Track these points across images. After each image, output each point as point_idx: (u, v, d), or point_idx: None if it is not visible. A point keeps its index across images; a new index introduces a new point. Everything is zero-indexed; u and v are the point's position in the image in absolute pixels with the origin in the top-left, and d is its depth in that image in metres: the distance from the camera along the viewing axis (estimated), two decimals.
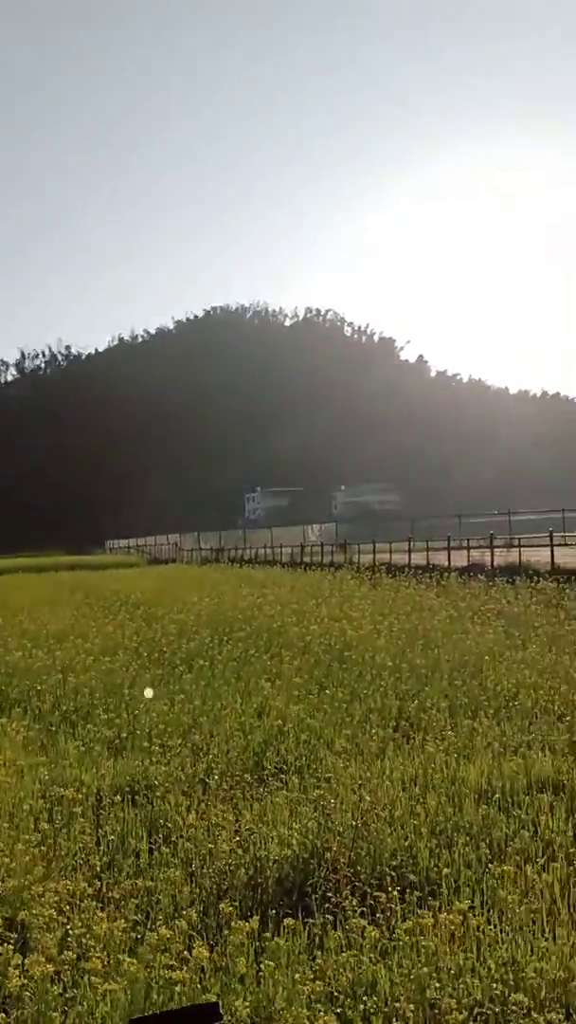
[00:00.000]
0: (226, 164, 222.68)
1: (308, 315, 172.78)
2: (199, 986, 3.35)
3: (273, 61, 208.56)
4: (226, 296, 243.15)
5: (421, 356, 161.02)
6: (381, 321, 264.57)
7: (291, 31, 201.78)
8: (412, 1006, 3.17)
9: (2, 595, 22.86)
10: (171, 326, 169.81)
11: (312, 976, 3.40)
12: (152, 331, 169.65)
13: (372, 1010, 3.25)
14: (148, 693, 8.58)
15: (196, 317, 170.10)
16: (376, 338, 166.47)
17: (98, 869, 4.64)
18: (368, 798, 5.22)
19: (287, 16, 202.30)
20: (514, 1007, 3.13)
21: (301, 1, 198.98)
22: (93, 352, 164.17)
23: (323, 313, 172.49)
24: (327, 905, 4.09)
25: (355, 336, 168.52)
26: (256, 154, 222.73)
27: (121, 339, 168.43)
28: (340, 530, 40.96)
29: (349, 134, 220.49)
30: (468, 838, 4.81)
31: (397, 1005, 3.20)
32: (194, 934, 3.76)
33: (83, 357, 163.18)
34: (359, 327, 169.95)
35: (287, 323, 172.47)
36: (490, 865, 4.38)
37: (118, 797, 5.67)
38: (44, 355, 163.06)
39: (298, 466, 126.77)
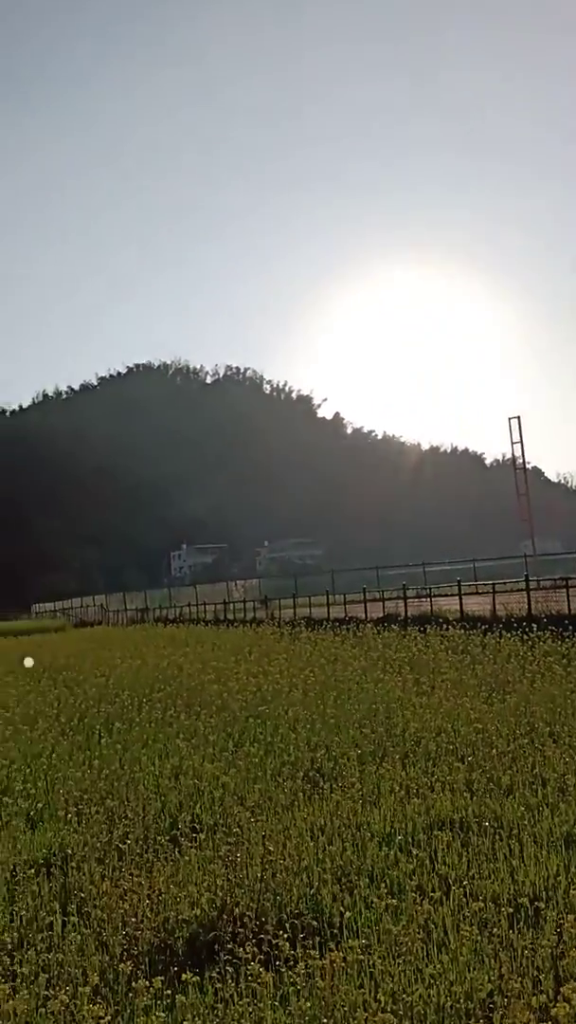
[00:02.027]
0: (154, 223, 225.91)
1: (228, 373, 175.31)
2: None
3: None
4: (148, 353, 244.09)
5: (338, 413, 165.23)
6: (299, 379, 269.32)
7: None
8: None
9: None
10: (94, 382, 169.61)
11: None
12: (76, 387, 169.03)
13: None
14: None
15: (119, 374, 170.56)
16: (295, 395, 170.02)
17: (10, 947, 4.69)
18: (275, 849, 5.43)
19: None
20: None
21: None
22: (17, 408, 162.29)
23: (243, 371, 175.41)
24: (230, 958, 4.27)
25: (274, 393, 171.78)
26: (180, 218, 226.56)
27: (45, 395, 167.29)
28: (263, 586, 41.26)
29: (267, 192, 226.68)
30: (369, 880, 5.07)
31: None
32: (98, 999, 3.88)
33: (7, 413, 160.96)
34: (277, 384, 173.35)
35: (208, 380, 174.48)
36: (387, 902, 4.62)
37: (32, 871, 5.70)
38: None
39: (223, 522, 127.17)
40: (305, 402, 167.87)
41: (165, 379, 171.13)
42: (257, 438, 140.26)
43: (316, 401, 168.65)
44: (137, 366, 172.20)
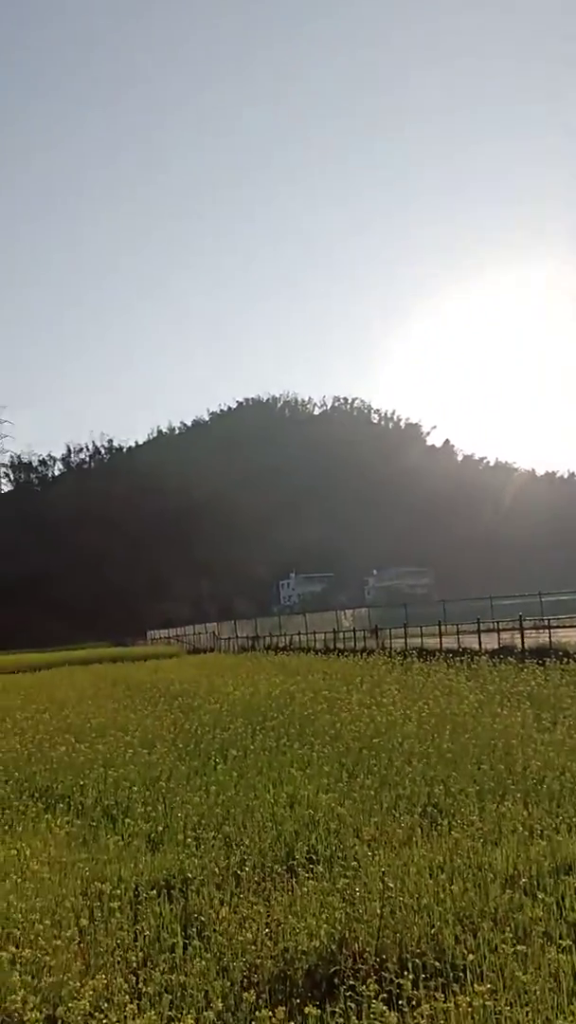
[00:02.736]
0: (256, 260, 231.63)
1: (336, 403, 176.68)
2: None
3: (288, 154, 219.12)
4: (258, 387, 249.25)
5: (447, 440, 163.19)
6: (407, 407, 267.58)
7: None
8: None
9: (49, 689, 23.25)
10: (206, 417, 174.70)
11: None
12: (188, 423, 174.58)
13: None
14: None
15: (229, 408, 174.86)
16: (402, 424, 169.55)
17: (135, 965, 4.80)
18: (394, 886, 5.35)
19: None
20: None
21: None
22: (133, 445, 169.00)
23: (350, 401, 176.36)
24: (351, 994, 4.23)
25: (382, 423, 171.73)
26: (283, 252, 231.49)
27: (159, 431, 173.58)
28: (372, 615, 40.92)
29: (370, 227, 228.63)
30: (493, 923, 4.92)
31: None
32: None
33: (124, 450, 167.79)
34: (385, 413, 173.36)
35: (316, 412, 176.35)
36: (515, 948, 4.47)
37: (154, 892, 5.82)
38: (88, 449, 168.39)
39: (331, 551, 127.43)
40: (414, 429, 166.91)
41: (274, 412, 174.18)
42: (365, 467, 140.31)
43: (425, 428, 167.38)
44: (247, 400, 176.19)
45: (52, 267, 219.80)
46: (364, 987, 4.18)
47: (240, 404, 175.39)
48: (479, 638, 24.58)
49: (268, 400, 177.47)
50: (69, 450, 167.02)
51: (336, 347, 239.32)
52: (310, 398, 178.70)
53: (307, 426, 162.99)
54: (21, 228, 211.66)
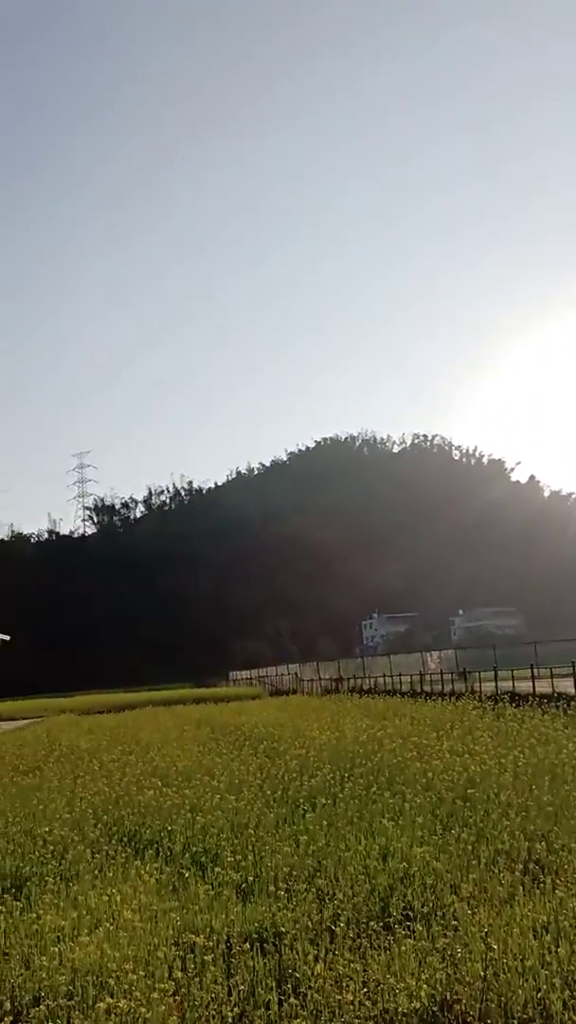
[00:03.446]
0: (336, 300, 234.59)
1: (416, 441, 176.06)
2: None
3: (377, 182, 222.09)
4: (335, 427, 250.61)
5: (533, 476, 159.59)
6: (489, 443, 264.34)
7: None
8: None
9: (134, 730, 23.49)
10: (284, 458, 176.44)
11: None
12: (267, 463, 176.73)
13: None
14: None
15: (307, 448, 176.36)
16: (485, 460, 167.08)
17: (230, 1020, 4.72)
18: (497, 947, 5.12)
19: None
20: None
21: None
22: (213, 486, 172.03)
23: (430, 438, 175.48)
24: None
25: (463, 459, 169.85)
26: (359, 293, 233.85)
27: (238, 472, 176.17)
28: (460, 657, 40.02)
29: (449, 244, 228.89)
30: None
31: None
32: None
33: (203, 491, 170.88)
34: (467, 450, 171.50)
35: (395, 450, 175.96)
36: None
37: (247, 945, 5.73)
38: (168, 491, 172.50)
39: (414, 591, 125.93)
40: (497, 465, 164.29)
41: (352, 450, 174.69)
42: (448, 504, 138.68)
43: (509, 464, 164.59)
44: (324, 439, 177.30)
45: (132, 308, 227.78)
46: None
47: (318, 444, 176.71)
48: (575, 681, 23.67)
49: (346, 439, 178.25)
50: (150, 492, 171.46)
51: (414, 384, 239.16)
52: (389, 436, 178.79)
53: (387, 464, 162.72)
54: (96, 265, 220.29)
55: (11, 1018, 4.58)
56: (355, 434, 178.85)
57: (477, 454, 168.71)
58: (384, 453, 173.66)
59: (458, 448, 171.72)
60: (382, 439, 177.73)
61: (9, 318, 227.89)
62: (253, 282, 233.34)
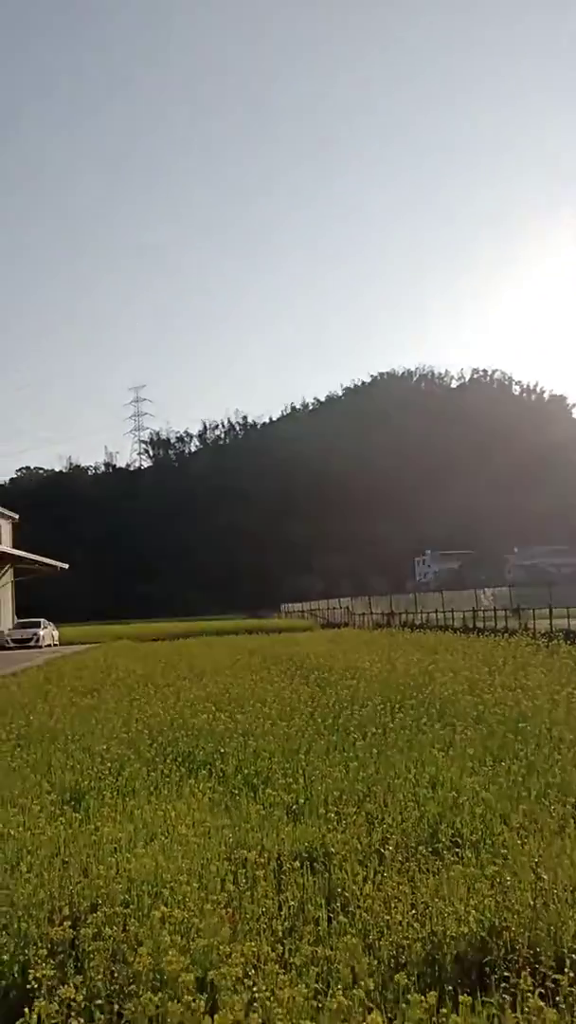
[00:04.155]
0: (389, 228, 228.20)
1: (475, 376, 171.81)
2: None
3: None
4: (393, 361, 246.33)
5: None
6: (552, 379, 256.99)
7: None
8: None
9: (188, 658, 24.06)
10: (340, 392, 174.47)
11: None
12: (321, 398, 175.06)
13: None
14: None
15: (363, 383, 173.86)
16: (547, 396, 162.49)
17: (280, 934, 4.82)
18: (547, 877, 5.11)
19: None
20: None
21: None
22: (267, 421, 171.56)
23: (490, 373, 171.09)
24: (504, 985, 4.07)
25: (524, 395, 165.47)
26: (421, 218, 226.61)
27: (293, 407, 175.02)
28: (514, 595, 39.73)
29: (512, 189, 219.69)
30: None
31: None
32: (371, 1005, 3.85)
33: (258, 426, 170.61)
34: (528, 385, 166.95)
35: (453, 384, 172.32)
36: None
37: (297, 863, 5.84)
38: (223, 426, 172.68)
39: (468, 528, 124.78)
40: (559, 403, 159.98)
41: (410, 386, 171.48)
42: (506, 442, 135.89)
43: (571, 401, 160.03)
44: (381, 374, 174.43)
45: (191, 249, 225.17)
46: (519, 980, 4.01)
47: (374, 378, 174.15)
48: None
49: (403, 374, 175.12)
50: (205, 427, 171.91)
51: (476, 316, 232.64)
52: (447, 370, 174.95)
53: (445, 399, 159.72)
54: (159, 194, 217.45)
55: (70, 923, 4.75)
56: (412, 368, 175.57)
57: (538, 389, 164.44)
58: (442, 388, 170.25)
59: (519, 383, 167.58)
60: (440, 373, 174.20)
61: (65, 250, 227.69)
62: (311, 211, 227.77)
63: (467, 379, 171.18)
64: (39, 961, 4.18)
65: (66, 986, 3.75)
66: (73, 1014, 3.59)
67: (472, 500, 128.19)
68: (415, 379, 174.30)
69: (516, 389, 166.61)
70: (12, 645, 46.29)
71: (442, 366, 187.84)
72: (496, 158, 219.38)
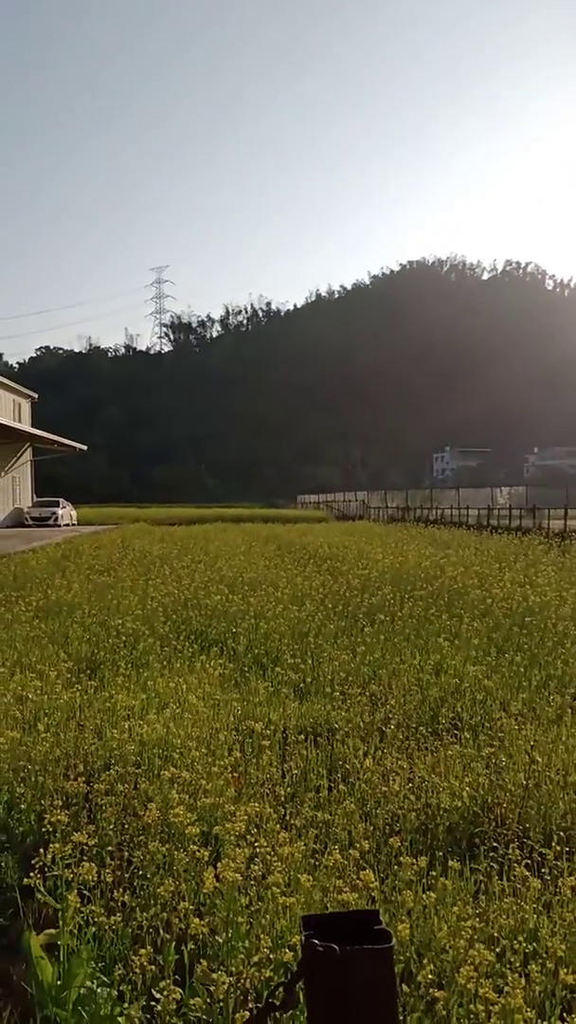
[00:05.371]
0: (416, 111, 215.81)
1: (508, 268, 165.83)
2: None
3: None
4: (422, 249, 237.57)
5: None
6: None
7: None
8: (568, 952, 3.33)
9: (204, 542, 24.43)
10: (367, 281, 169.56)
11: (474, 916, 3.63)
12: (348, 286, 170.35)
13: (531, 954, 3.44)
14: None
15: (391, 272, 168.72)
16: None
17: (282, 798, 5.08)
18: (541, 760, 5.31)
19: None
20: None
21: None
22: (291, 308, 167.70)
23: (523, 266, 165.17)
24: (493, 855, 4.29)
25: (557, 290, 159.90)
26: (449, 103, 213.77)
27: (318, 294, 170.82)
28: (530, 494, 39.63)
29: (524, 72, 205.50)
30: None
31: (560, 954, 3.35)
32: (365, 865, 4.09)
33: (281, 313, 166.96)
34: (562, 280, 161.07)
35: (484, 276, 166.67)
36: None
37: (302, 736, 6.10)
38: (246, 311, 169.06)
39: (489, 426, 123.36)
40: None
41: (439, 276, 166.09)
42: (536, 339, 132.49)
43: None
44: (410, 263, 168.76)
45: (214, 120, 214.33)
46: (507, 851, 4.23)
47: (403, 267, 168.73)
48: None
49: (433, 263, 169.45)
50: (227, 311, 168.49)
51: (510, 205, 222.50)
52: (479, 261, 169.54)
53: (475, 292, 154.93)
54: (185, 73, 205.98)
55: (84, 779, 5.02)
56: (443, 258, 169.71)
57: (572, 284, 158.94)
58: (472, 280, 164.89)
59: (551, 277, 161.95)
60: (472, 264, 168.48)
61: (96, 136, 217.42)
62: (341, 92, 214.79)
63: (499, 271, 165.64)
64: (54, 810, 4.45)
65: (79, 832, 3.99)
66: (85, 858, 3.83)
67: (496, 397, 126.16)
68: (445, 269, 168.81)
69: (549, 284, 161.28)
70: (31, 523, 47.16)
71: (474, 256, 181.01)
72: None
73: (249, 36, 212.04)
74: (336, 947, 1.38)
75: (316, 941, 1.40)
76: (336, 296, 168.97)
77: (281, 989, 1.51)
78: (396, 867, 3.98)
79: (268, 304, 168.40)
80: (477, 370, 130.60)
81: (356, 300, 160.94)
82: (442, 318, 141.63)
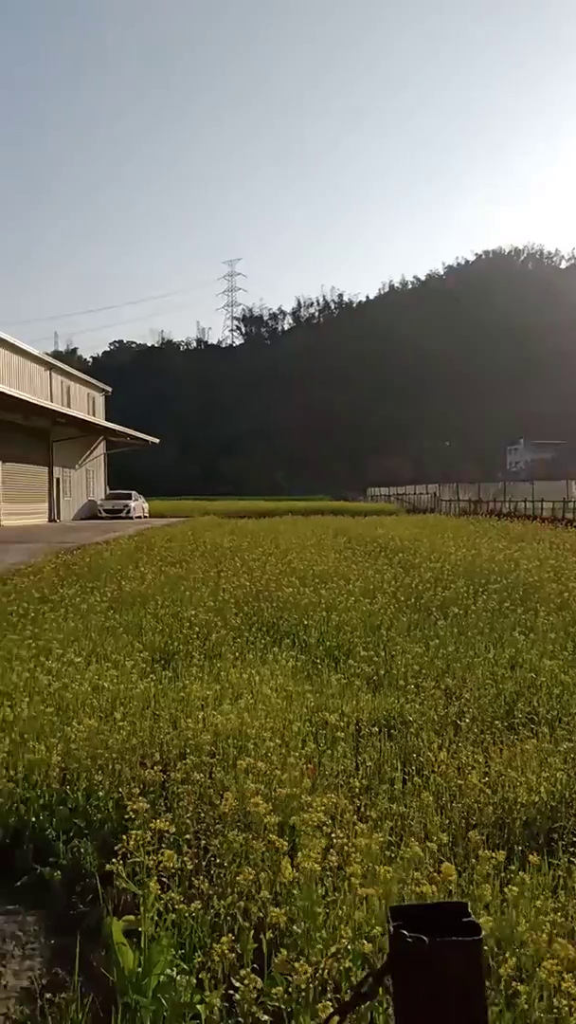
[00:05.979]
0: (493, 101, 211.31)
1: None
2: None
3: None
4: (499, 239, 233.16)
5: None
6: None
7: None
8: None
9: (274, 535, 24.54)
10: (441, 272, 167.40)
11: (554, 911, 3.56)
12: (422, 277, 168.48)
13: None
14: None
15: (467, 262, 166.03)
16: None
17: (357, 790, 5.08)
18: None
19: None
20: None
21: None
22: (364, 299, 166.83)
23: None
24: (572, 850, 4.20)
25: None
26: (520, 94, 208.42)
27: (391, 286, 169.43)
28: None
29: None
30: None
31: None
32: (443, 858, 4.05)
33: (353, 305, 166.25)
34: None
35: (563, 265, 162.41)
36: None
37: (375, 728, 6.07)
38: (318, 303, 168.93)
39: (567, 418, 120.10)
40: None
41: (516, 265, 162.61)
42: None
43: None
44: (485, 252, 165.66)
45: (287, 114, 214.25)
46: None
47: (479, 257, 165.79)
48: None
49: (510, 252, 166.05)
50: (299, 304, 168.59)
51: None
52: (557, 250, 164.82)
53: (552, 281, 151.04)
54: (257, 70, 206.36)
55: (160, 767, 5.11)
56: (520, 247, 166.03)
57: None
58: (550, 269, 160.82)
59: None
60: (549, 253, 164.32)
61: (168, 128, 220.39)
62: (412, 84, 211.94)
63: None
64: (134, 797, 4.54)
65: (159, 819, 4.06)
66: (164, 846, 3.90)
67: (573, 388, 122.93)
68: (522, 258, 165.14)
69: None
70: (104, 515, 48.19)
71: (552, 245, 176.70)
72: None
73: (321, 25, 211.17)
74: (425, 938, 1.37)
75: (405, 932, 1.39)
76: (409, 287, 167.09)
77: (370, 979, 1.51)
78: (473, 861, 3.94)
79: (340, 296, 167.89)
80: (553, 361, 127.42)
81: (429, 291, 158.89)
82: (518, 308, 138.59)
